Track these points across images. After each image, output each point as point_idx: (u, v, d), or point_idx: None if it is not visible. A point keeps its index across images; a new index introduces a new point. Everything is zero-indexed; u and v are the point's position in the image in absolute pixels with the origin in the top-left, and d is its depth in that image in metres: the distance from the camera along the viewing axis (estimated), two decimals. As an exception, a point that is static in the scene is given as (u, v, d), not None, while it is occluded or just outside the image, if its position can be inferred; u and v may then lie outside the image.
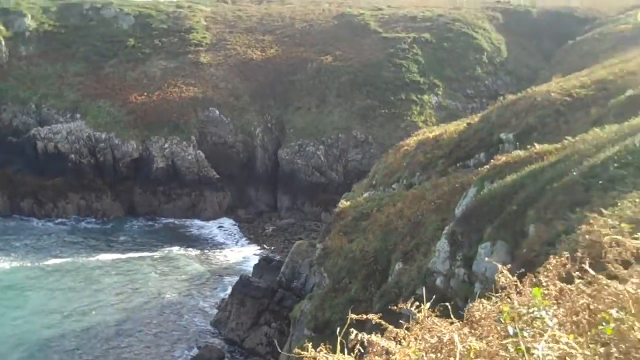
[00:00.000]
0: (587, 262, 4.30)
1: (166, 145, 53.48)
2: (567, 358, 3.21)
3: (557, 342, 3.31)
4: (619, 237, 4.32)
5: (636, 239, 4.29)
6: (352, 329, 3.36)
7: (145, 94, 56.52)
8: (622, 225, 11.86)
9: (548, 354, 3.17)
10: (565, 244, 11.42)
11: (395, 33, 63.20)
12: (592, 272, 4.14)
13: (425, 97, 56.57)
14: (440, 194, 25.92)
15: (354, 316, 3.54)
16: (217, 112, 55.72)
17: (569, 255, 4.52)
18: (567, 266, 4.46)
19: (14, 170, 53.06)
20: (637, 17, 55.46)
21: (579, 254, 4.44)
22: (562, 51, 59.32)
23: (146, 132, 54.03)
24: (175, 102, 55.38)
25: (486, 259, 16.05)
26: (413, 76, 57.83)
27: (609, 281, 3.92)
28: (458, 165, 30.16)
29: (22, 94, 58.05)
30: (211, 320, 33.68)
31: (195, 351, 30.49)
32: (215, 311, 34.61)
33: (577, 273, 4.24)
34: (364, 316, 3.59)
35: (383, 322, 3.58)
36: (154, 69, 59.69)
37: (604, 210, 12.61)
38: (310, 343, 3.44)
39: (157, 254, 43.56)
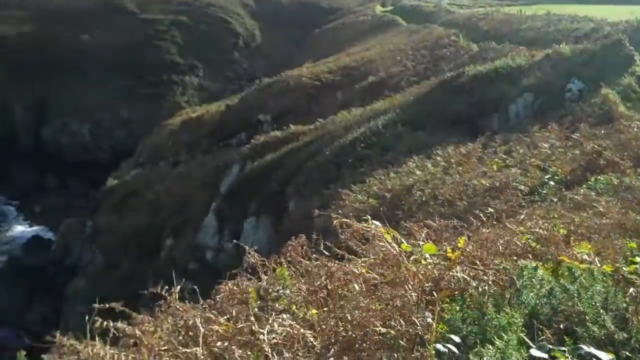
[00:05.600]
0: (321, 243, 4.83)
1: None
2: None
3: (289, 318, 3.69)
4: (347, 220, 4.78)
5: (362, 221, 4.77)
6: (97, 317, 3.48)
7: None
8: (370, 200, 13.03)
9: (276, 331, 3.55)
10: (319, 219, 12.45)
11: (153, 14, 61.65)
12: (326, 253, 4.67)
13: (187, 78, 57.21)
14: (205, 171, 26.35)
15: (97, 306, 3.62)
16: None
17: (304, 236, 5.01)
18: (304, 247, 4.96)
19: None
20: (375, 9, 59.78)
21: (314, 235, 4.96)
22: (310, 38, 62.10)
23: None
24: None
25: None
26: (173, 57, 57.98)
27: (340, 262, 4.44)
28: (221, 144, 30.87)
29: None
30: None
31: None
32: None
33: (315, 255, 4.73)
34: (107, 305, 3.70)
35: (127, 310, 3.75)
36: None
37: (354, 187, 13.88)
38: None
39: None
